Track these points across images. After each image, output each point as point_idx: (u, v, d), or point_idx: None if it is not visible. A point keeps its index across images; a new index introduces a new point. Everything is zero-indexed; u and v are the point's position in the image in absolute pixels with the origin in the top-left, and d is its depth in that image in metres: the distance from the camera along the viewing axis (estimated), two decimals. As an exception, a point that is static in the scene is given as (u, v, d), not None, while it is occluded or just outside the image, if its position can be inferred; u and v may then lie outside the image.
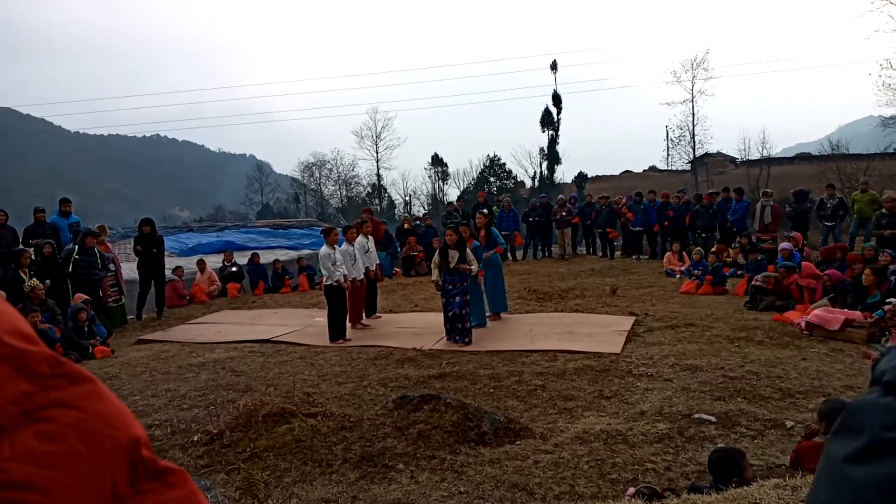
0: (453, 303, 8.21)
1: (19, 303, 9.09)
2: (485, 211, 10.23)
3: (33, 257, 10.31)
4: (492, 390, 6.21)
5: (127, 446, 0.75)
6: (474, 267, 8.48)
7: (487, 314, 9.30)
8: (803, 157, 49.13)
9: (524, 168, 49.39)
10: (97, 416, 0.75)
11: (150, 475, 0.77)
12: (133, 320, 11.70)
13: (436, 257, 8.53)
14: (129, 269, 12.38)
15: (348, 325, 9.20)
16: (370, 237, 10.39)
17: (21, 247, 10.70)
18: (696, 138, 42.80)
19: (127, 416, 0.78)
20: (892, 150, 37.12)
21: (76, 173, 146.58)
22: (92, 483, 0.70)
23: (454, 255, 8.29)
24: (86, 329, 9.18)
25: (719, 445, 4.33)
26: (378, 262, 10.81)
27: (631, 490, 3.64)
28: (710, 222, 15.06)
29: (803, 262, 9.71)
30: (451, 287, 8.26)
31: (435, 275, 8.48)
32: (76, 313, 9.13)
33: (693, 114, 42.30)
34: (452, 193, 47.83)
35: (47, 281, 9.78)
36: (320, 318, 9.58)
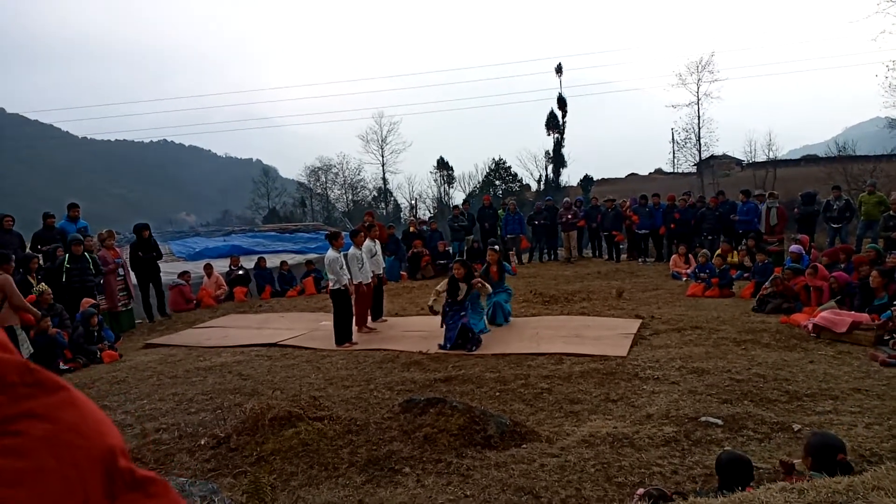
0: (458, 318, 8.29)
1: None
2: (496, 247, 10.29)
3: (41, 263, 10.37)
4: (498, 393, 6.21)
5: (102, 457, 0.71)
6: (483, 297, 8.68)
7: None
8: (810, 159, 48.96)
9: (529, 171, 49.47)
10: (70, 428, 0.71)
11: (129, 486, 0.74)
12: (140, 325, 11.77)
13: (442, 286, 8.64)
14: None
15: (354, 328, 9.22)
16: (377, 241, 10.42)
17: (29, 252, 10.77)
18: (702, 141, 42.79)
19: (103, 425, 0.75)
20: (899, 152, 36.92)
21: (83, 179, 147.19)
22: (61, 499, 0.67)
23: (463, 288, 8.45)
24: (95, 334, 9.23)
25: (727, 449, 4.31)
26: (384, 265, 10.83)
27: (640, 491, 3.64)
28: (716, 224, 15.04)
29: (818, 265, 9.68)
30: (452, 312, 8.44)
31: (431, 300, 8.67)
32: (88, 318, 9.18)
33: (699, 116, 42.28)
34: (458, 197, 47.96)
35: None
36: (327, 321, 9.61)
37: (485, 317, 9.19)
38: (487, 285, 8.86)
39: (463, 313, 8.35)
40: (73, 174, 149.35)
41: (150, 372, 7.97)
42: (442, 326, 8.42)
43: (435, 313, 8.65)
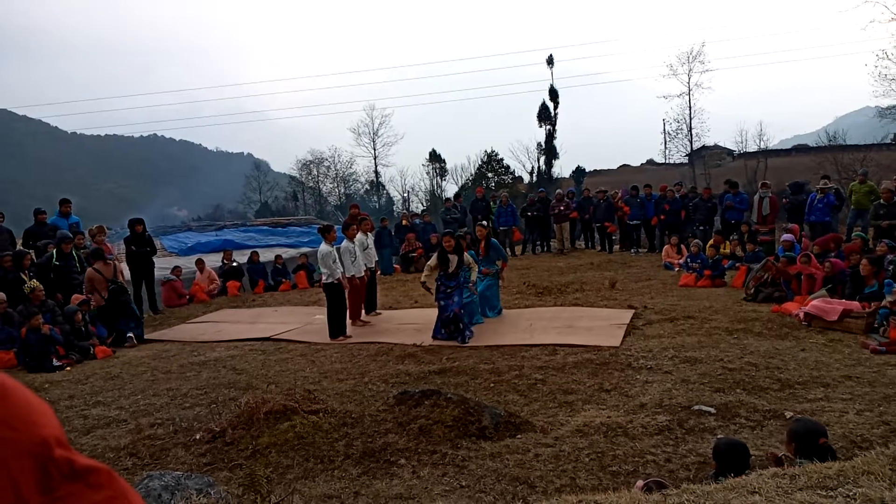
0: (451, 304, 8.27)
1: (20, 304, 9.10)
2: (485, 223, 10.27)
3: (34, 259, 10.30)
4: (492, 385, 6.24)
5: (32, 449, 0.66)
6: (474, 274, 8.59)
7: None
8: (800, 149, 49.22)
9: (522, 163, 49.40)
10: None
11: (67, 477, 0.69)
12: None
13: (433, 260, 8.60)
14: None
15: (348, 322, 9.22)
16: (369, 234, 10.42)
17: (22, 248, 10.70)
18: (694, 131, 42.98)
19: (34, 415, 0.69)
20: (888, 141, 37.15)
21: (73, 174, 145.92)
22: None
23: (453, 260, 8.38)
24: (83, 330, 9.19)
25: (724, 436, 4.34)
26: (377, 258, 10.82)
27: (640, 483, 3.66)
28: (707, 215, 15.13)
29: (810, 254, 9.77)
30: (447, 290, 8.35)
31: (424, 276, 8.60)
32: (72, 315, 9.13)
33: (690, 107, 42.48)
34: (450, 189, 47.88)
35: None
36: (320, 315, 9.60)
37: (477, 307, 9.20)
38: (474, 274, 8.79)
39: (455, 298, 8.30)
40: (63, 169, 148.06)
41: (144, 367, 7.96)
42: (436, 301, 8.46)
43: (427, 289, 8.66)
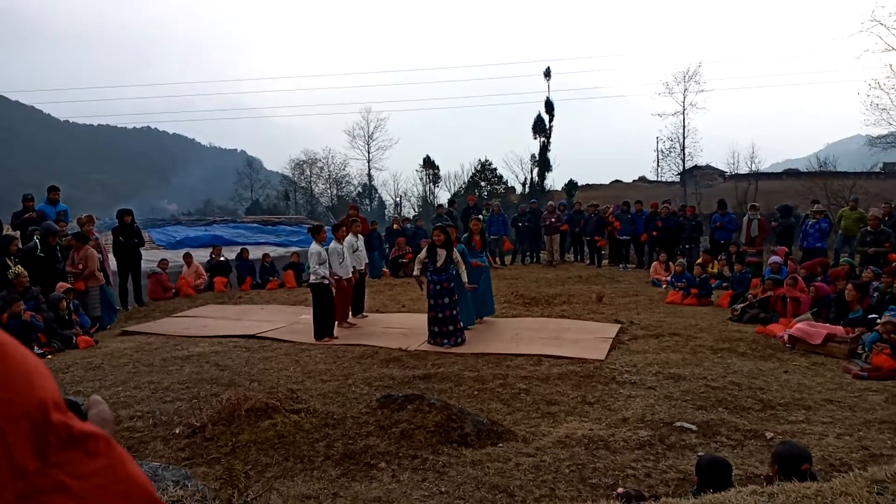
0: (441, 304, 8.23)
1: (3, 290, 9.01)
2: (480, 217, 10.29)
3: (20, 245, 10.19)
4: (476, 392, 6.23)
5: (29, 413, 0.63)
6: (464, 275, 8.55)
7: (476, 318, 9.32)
8: (791, 173, 49.51)
9: (515, 174, 49.65)
10: None
11: (64, 443, 0.65)
12: (117, 311, 11.62)
13: (422, 254, 8.58)
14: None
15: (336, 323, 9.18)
16: (360, 236, 10.39)
17: (8, 234, 10.59)
18: (686, 150, 43.09)
19: (31, 376, 0.65)
20: (878, 170, 37.56)
21: (64, 162, 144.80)
22: None
23: (442, 254, 8.34)
24: (67, 318, 9.10)
25: (705, 453, 4.35)
26: (366, 261, 10.80)
27: (619, 489, 3.67)
28: (692, 234, 15.24)
29: (797, 277, 9.86)
30: (438, 287, 8.29)
31: (417, 269, 8.57)
32: (56, 303, 9.04)
33: (684, 126, 42.61)
34: (443, 196, 47.88)
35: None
36: (307, 315, 9.57)
37: (472, 313, 9.19)
38: (462, 263, 8.69)
39: (446, 299, 8.26)
40: (53, 157, 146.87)
41: (126, 359, 7.89)
42: (421, 290, 8.65)
43: (421, 283, 8.66)
